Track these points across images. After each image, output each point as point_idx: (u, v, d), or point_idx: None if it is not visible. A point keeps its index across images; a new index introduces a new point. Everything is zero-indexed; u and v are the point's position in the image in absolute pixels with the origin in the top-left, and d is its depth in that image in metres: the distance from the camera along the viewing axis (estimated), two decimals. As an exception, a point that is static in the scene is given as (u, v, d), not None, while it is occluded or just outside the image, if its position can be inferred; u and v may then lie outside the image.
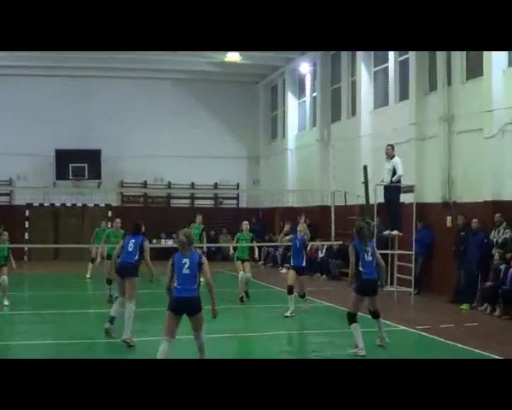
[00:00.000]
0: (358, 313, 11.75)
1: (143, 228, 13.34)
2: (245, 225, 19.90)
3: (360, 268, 11.61)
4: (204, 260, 9.66)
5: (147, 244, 13.14)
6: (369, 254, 11.68)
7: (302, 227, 17.02)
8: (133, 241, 12.95)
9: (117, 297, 13.83)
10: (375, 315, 12.09)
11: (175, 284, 9.45)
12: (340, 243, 23.11)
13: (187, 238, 9.61)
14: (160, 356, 9.27)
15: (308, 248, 17.88)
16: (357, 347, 11.40)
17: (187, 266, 9.43)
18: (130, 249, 12.87)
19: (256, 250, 20.17)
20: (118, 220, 19.46)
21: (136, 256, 12.78)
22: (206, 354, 9.81)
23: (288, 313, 15.86)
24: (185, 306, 9.43)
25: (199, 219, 22.96)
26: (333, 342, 12.70)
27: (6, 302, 17.57)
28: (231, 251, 21.06)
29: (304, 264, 16.40)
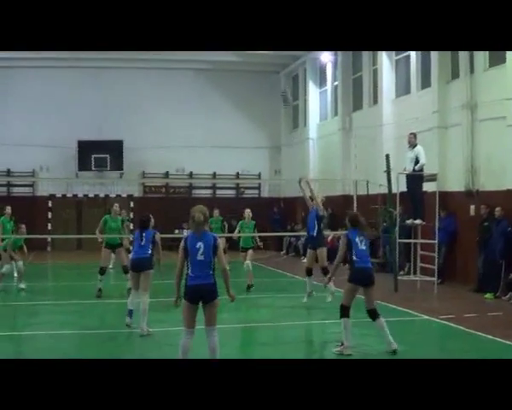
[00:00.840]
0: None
1: (152, 221, 13.38)
2: (247, 212, 19.81)
3: (353, 257, 10.99)
4: (219, 242, 8.94)
5: (158, 236, 13.19)
6: (363, 243, 11.16)
7: (319, 199, 16.86)
8: (144, 235, 12.97)
9: (130, 289, 13.92)
10: (373, 315, 11.05)
11: (188, 272, 8.79)
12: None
13: (204, 216, 8.85)
14: (181, 349, 8.86)
15: (329, 238, 17.71)
16: (342, 344, 10.90)
17: (201, 251, 8.71)
18: (142, 244, 12.92)
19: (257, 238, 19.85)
20: (116, 205, 19.56)
21: (150, 250, 12.88)
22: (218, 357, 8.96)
23: (304, 299, 15.83)
24: (201, 293, 8.75)
25: (216, 213, 23.06)
26: (355, 331, 12.61)
27: (22, 285, 18.26)
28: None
29: (314, 234, 16.32)
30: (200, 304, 8.84)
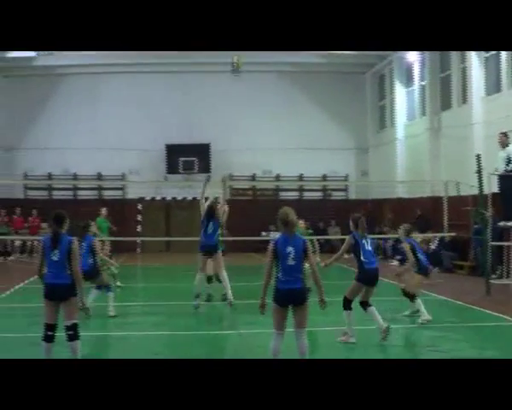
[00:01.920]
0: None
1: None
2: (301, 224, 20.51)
3: (361, 258, 11.53)
4: (308, 245, 8.88)
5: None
6: (369, 243, 11.64)
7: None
8: (212, 223, 15.43)
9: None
10: (365, 306, 11.87)
11: (279, 275, 8.74)
12: (454, 234, 22.64)
13: (293, 218, 8.84)
14: (272, 351, 8.87)
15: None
16: (346, 333, 11.70)
17: (292, 255, 8.68)
18: (210, 231, 15.47)
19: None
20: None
21: (216, 235, 15.50)
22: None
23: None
24: (290, 297, 8.75)
25: (302, 224, 23.07)
26: (446, 336, 12.40)
27: (118, 283, 19.01)
28: None
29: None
30: (291, 307, 8.83)
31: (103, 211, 21.94)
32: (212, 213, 15.81)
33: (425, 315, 13.81)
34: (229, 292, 15.44)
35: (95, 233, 14.81)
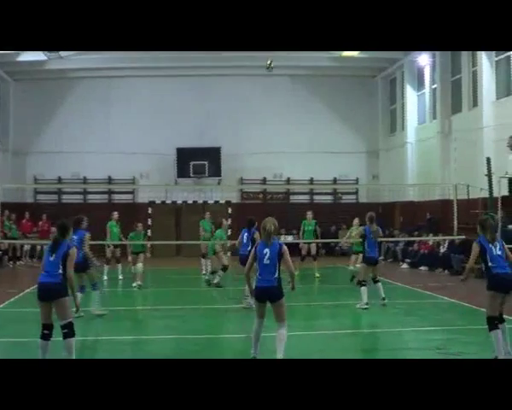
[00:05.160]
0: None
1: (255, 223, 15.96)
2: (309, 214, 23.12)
3: (489, 263, 10.51)
4: (284, 248, 9.86)
5: (256, 235, 15.42)
6: (498, 248, 10.78)
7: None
8: (246, 235, 16.22)
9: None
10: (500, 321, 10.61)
11: (257, 274, 9.90)
12: (463, 237, 22.57)
13: (274, 227, 9.89)
14: (252, 333, 10.06)
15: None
16: (496, 356, 10.24)
17: (267, 256, 9.78)
18: (244, 241, 16.13)
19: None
20: (225, 222, 21.47)
21: (248, 247, 15.26)
22: (282, 353, 9.66)
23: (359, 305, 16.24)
24: (266, 294, 9.84)
25: (309, 214, 23.19)
26: (457, 339, 12.39)
27: (139, 282, 19.82)
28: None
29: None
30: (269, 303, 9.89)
31: (115, 215, 22.18)
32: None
33: (363, 302, 15.87)
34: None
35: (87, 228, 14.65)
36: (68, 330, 9.37)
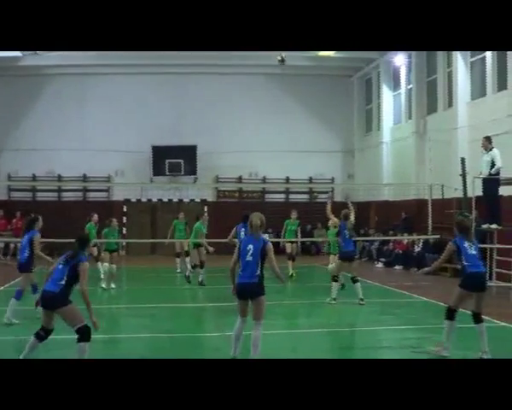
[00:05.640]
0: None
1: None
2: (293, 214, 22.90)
3: (464, 262, 10.75)
4: (269, 246, 9.84)
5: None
6: (473, 247, 10.86)
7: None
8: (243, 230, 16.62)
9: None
10: (479, 318, 10.94)
11: (239, 270, 9.90)
12: (437, 236, 22.72)
13: (261, 222, 9.89)
14: (234, 332, 9.97)
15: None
16: (440, 345, 10.92)
17: (251, 252, 9.75)
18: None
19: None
20: (205, 215, 20.51)
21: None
22: (258, 351, 9.71)
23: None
24: (247, 291, 9.80)
25: (294, 214, 23.04)
26: (431, 337, 12.46)
27: (113, 285, 19.25)
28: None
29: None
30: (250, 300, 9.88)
31: (95, 217, 21.05)
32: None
33: (331, 297, 16.72)
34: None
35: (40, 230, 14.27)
36: (80, 336, 9.24)
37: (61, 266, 9.42)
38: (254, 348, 9.71)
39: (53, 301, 9.22)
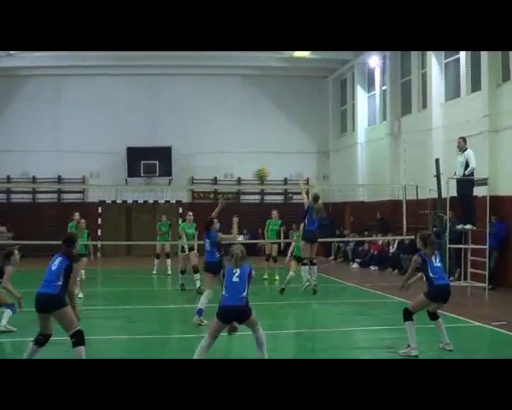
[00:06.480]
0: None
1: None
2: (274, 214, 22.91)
3: (431, 274, 11.00)
4: (253, 274, 9.66)
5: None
6: (438, 260, 11.13)
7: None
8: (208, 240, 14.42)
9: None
10: (435, 316, 11.40)
11: (223, 292, 9.47)
12: (412, 237, 22.81)
13: (242, 254, 9.61)
14: (199, 351, 9.41)
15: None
16: (409, 346, 11.05)
17: (237, 274, 9.42)
18: (208, 248, 14.37)
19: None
20: (190, 213, 20.18)
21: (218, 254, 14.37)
22: (265, 351, 9.61)
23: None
24: (233, 314, 9.46)
25: (275, 214, 22.99)
26: (406, 337, 12.51)
27: (80, 295, 17.82)
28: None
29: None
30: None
31: (76, 215, 20.20)
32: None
33: (304, 280, 17.82)
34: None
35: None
36: (76, 339, 9.16)
37: (55, 268, 9.28)
38: (261, 347, 9.62)
39: (51, 303, 9.12)
